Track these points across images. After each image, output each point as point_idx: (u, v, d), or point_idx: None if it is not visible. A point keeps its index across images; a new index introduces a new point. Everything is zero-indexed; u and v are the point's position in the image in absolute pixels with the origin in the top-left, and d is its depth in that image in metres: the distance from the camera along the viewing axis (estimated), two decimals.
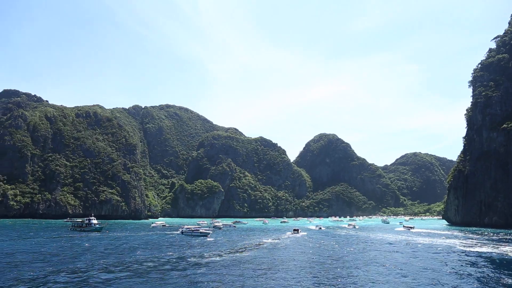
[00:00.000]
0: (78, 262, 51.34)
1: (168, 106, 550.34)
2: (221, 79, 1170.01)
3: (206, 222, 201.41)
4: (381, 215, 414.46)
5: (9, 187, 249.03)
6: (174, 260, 55.17)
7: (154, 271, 44.84)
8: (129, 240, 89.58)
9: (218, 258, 58.15)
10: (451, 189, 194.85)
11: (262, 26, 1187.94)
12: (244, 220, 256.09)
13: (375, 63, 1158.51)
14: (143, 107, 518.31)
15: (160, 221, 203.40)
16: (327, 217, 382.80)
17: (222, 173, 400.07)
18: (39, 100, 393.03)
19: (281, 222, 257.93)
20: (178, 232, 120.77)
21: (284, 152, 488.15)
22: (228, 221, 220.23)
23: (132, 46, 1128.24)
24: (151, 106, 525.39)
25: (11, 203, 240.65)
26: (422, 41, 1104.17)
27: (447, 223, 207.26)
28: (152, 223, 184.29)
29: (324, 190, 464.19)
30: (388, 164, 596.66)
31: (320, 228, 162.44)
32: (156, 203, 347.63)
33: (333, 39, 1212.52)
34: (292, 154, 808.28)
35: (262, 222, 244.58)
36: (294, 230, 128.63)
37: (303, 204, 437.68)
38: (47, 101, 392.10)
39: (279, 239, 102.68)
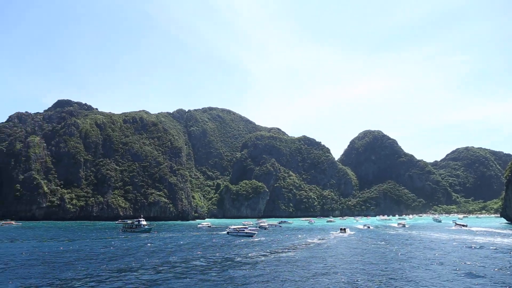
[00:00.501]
0: (128, 261, 52.84)
1: (211, 108, 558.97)
2: (263, 80, 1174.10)
3: (251, 223, 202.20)
4: (432, 213, 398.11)
5: (65, 191, 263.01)
6: (220, 260, 55.51)
7: (199, 271, 45.23)
8: (176, 241, 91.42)
9: (263, 258, 57.91)
10: (510, 185, 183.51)
11: (302, 24, 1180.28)
12: (289, 220, 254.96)
13: (421, 55, 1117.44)
14: (186, 110, 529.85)
15: (206, 222, 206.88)
16: (375, 216, 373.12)
17: (266, 173, 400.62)
18: (89, 108, 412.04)
19: (327, 222, 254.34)
20: (224, 233, 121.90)
21: (328, 150, 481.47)
22: (274, 221, 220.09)
23: (174, 51, 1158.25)
24: (195, 109, 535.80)
25: (68, 206, 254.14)
26: (472, 29, 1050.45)
27: (506, 221, 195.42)
28: (198, 224, 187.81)
29: (370, 188, 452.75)
30: (438, 160, 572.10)
31: (368, 227, 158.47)
32: (202, 204, 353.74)
33: (375, 32, 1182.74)
34: (337, 152, 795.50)
35: (308, 221, 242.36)
36: (341, 229, 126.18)
37: (350, 203, 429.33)
38: (96, 108, 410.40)
39: (325, 238, 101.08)
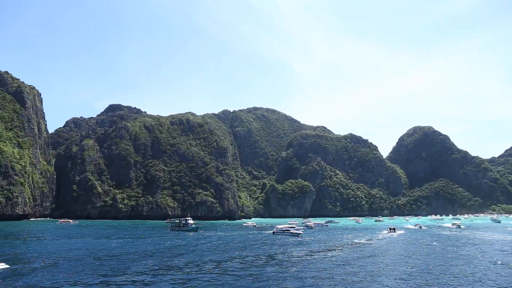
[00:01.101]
0: (176, 259, 53.67)
1: (255, 108, 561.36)
2: (307, 78, 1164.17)
3: (297, 222, 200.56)
4: (490, 213, 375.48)
5: (117, 191, 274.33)
6: (264, 259, 55.09)
7: (243, 269, 45.01)
8: (221, 239, 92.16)
9: (308, 257, 56.89)
10: None
11: (344, 19, 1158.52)
12: (336, 219, 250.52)
13: (473, 46, 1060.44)
14: (231, 111, 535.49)
15: (251, 221, 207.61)
16: (426, 216, 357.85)
17: (312, 172, 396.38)
18: (138, 111, 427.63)
19: (375, 221, 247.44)
20: (270, 232, 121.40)
21: (375, 148, 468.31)
22: (320, 221, 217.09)
23: (218, 54, 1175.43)
24: (239, 110, 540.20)
25: (120, 205, 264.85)
26: None
27: None
28: (243, 223, 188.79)
29: (421, 187, 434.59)
30: (496, 156, 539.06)
31: (420, 227, 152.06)
32: (248, 204, 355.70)
33: (422, 25, 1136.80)
34: (385, 150, 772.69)
35: (356, 221, 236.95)
36: (390, 229, 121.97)
37: (399, 202, 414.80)
38: (145, 112, 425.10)
39: (373, 238, 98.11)
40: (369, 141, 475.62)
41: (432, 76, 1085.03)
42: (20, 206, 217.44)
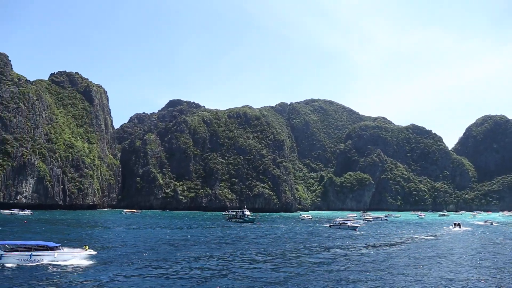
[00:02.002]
0: (228, 249, 53.95)
1: (313, 100, 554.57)
2: (366, 68, 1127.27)
3: (355, 215, 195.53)
4: None
5: (178, 183, 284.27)
6: (317, 251, 53.78)
7: (297, 262, 44.10)
8: (277, 231, 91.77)
9: (363, 251, 54.79)
10: None
11: (407, 6, 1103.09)
12: (397, 213, 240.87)
13: None
14: (288, 103, 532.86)
15: (307, 214, 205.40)
16: (497, 212, 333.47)
17: (372, 164, 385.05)
18: (197, 106, 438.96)
19: (439, 216, 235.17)
20: (326, 225, 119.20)
21: (440, 139, 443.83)
22: (380, 214, 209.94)
23: (274, 46, 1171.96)
24: (297, 102, 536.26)
25: (180, 197, 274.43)
26: None
27: None
28: (299, 216, 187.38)
29: (492, 180, 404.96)
30: None
31: (491, 224, 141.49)
32: (306, 197, 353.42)
33: (491, 7, 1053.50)
34: (450, 141, 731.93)
35: (417, 215, 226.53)
36: (455, 224, 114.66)
37: (466, 196, 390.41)
38: (203, 106, 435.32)
39: (436, 234, 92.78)
40: (433, 131, 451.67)
41: (504, 61, 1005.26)
42: (90, 196, 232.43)
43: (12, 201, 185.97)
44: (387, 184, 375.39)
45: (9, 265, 36.78)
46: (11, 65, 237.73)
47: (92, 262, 40.36)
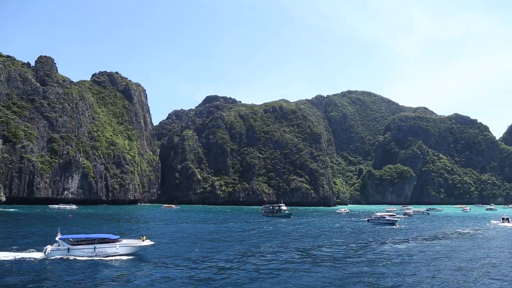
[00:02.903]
0: (265, 244, 53.84)
1: (350, 92, 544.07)
2: (405, 57, 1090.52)
3: (395, 209, 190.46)
4: None
5: (215, 178, 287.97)
6: (354, 247, 52.63)
7: (330, 258, 43.29)
8: (312, 226, 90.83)
9: (401, 246, 53.05)
10: None
11: None
12: (439, 207, 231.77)
13: None
14: (325, 96, 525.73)
15: (344, 208, 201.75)
16: None
17: (413, 156, 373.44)
18: (233, 101, 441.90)
19: (486, 210, 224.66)
20: (364, 220, 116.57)
21: (486, 128, 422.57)
22: (421, 208, 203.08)
23: (310, 38, 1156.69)
24: (333, 94, 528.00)
25: (218, 192, 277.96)
26: None
27: None
28: (337, 210, 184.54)
29: None
30: None
31: None
32: (344, 190, 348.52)
33: None
34: (498, 130, 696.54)
35: (462, 209, 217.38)
36: (503, 218, 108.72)
37: None
38: (240, 101, 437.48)
39: (482, 228, 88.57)
40: (478, 121, 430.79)
41: None
42: (131, 192, 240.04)
43: (59, 196, 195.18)
44: (429, 176, 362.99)
45: (76, 258, 38.26)
46: (56, 68, 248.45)
47: (147, 254, 42.13)
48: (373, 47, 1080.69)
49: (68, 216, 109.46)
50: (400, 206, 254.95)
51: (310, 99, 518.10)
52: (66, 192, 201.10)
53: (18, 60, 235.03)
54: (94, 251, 39.58)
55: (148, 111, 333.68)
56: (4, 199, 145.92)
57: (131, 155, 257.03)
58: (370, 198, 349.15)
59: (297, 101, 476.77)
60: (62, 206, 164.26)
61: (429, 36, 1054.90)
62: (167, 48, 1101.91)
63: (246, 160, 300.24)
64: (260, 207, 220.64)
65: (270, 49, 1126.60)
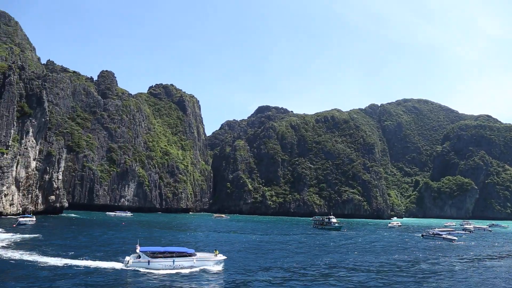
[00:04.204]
0: (314, 258, 52.79)
1: (405, 100, 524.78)
2: (466, 61, 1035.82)
3: (454, 224, 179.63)
4: None
5: (266, 189, 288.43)
6: (404, 265, 50.10)
7: (375, 276, 41.46)
8: (362, 240, 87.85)
9: (457, 267, 49.64)
10: None
11: None
12: (503, 223, 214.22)
13: None
14: (379, 105, 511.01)
15: (396, 222, 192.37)
16: None
17: (474, 167, 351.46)
18: (285, 111, 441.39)
19: None
20: (418, 235, 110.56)
21: None
22: (482, 224, 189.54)
23: (364, 45, 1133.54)
24: (388, 103, 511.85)
25: (269, 202, 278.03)
26: None
27: None
28: (389, 223, 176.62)
29: None
30: None
31: None
32: (399, 203, 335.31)
33: None
34: None
35: None
36: None
37: None
38: (291, 111, 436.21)
39: None
40: None
41: None
42: (183, 201, 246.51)
43: (116, 204, 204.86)
44: (494, 189, 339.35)
45: (156, 271, 39.32)
46: (116, 81, 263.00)
47: (223, 267, 42.71)
48: (431, 52, 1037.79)
49: (121, 224, 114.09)
50: (461, 220, 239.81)
51: (363, 108, 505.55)
52: (122, 199, 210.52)
53: (82, 75, 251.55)
54: (173, 264, 40.72)
55: (201, 122, 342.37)
56: (66, 204, 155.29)
57: (184, 164, 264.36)
58: (427, 212, 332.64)
59: (350, 110, 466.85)
60: (118, 213, 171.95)
61: (493, 38, 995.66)
62: (221, 60, 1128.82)
63: (297, 170, 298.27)
64: (311, 218, 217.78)
65: (323, 58, 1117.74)
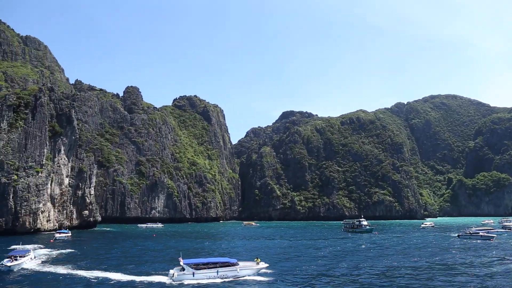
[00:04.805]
0: (343, 263, 52.08)
1: (432, 97, 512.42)
2: (495, 53, 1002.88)
3: (492, 221, 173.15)
4: None
5: (295, 194, 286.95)
6: (438, 269, 48.71)
7: (407, 281, 40.44)
8: (394, 243, 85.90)
9: (495, 268, 47.76)
10: None
11: None
12: None
13: None
14: (405, 103, 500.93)
15: (429, 222, 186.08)
16: None
17: (511, 162, 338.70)
18: (310, 115, 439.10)
19: None
20: (453, 235, 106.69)
21: None
22: None
23: (387, 43, 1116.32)
24: (414, 101, 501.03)
25: (298, 207, 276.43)
26: None
27: None
28: (422, 224, 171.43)
29: None
30: None
31: None
32: (432, 202, 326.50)
33: None
34: None
35: None
36: None
37: None
38: (316, 115, 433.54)
39: None
40: None
41: None
42: (213, 210, 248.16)
43: (147, 216, 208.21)
44: None
45: (202, 282, 39.87)
46: (141, 96, 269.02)
47: (267, 276, 42.54)
48: (457, 46, 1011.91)
49: (152, 236, 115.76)
50: (500, 218, 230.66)
51: (389, 107, 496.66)
52: (153, 211, 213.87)
53: (109, 92, 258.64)
54: (217, 274, 41.10)
55: (227, 131, 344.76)
56: (100, 218, 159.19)
57: (211, 174, 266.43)
58: (463, 210, 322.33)
59: (376, 110, 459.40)
60: (149, 225, 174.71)
61: None
62: (243, 68, 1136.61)
63: (325, 174, 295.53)
64: (342, 222, 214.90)
65: (345, 60, 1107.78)
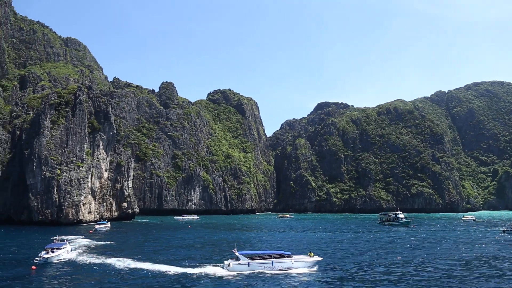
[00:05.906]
0: (375, 259, 51.16)
1: (476, 84, 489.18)
2: None
3: None
4: None
5: (330, 186, 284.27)
6: (478, 266, 46.89)
7: (443, 277, 39.16)
8: (431, 237, 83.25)
9: None
10: None
11: None
12: None
13: None
14: (446, 91, 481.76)
15: (470, 215, 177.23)
16: None
17: None
18: (345, 106, 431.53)
19: None
20: (497, 230, 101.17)
21: None
22: None
23: (425, 28, 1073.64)
24: (456, 89, 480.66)
25: (334, 199, 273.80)
26: None
27: None
28: (462, 217, 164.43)
29: None
30: None
31: None
32: (476, 194, 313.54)
33: None
34: None
35: None
36: None
37: None
38: (352, 105, 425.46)
39: None
40: None
41: None
42: (248, 202, 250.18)
43: (184, 208, 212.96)
44: None
45: (257, 271, 40.69)
46: (176, 91, 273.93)
47: (318, 268, 42.87)
48: (502, 29, 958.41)
49: (188, 227, 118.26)
50: None
51: (429, 96, 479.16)
52: (189, 203, 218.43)
53: (145, 88, 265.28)
54: (272, 265, 41.63)
55: (261, 123, 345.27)
56: (138, 210, 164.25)
57: (246, 166, 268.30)
58: (510, 203, 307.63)
59: (414, 99, 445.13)
60: (185, 217, 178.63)
61: None
62: (277, 61, 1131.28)
63: (361, 165, 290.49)
64: (378, 214, 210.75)
65: (381, 48, 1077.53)
